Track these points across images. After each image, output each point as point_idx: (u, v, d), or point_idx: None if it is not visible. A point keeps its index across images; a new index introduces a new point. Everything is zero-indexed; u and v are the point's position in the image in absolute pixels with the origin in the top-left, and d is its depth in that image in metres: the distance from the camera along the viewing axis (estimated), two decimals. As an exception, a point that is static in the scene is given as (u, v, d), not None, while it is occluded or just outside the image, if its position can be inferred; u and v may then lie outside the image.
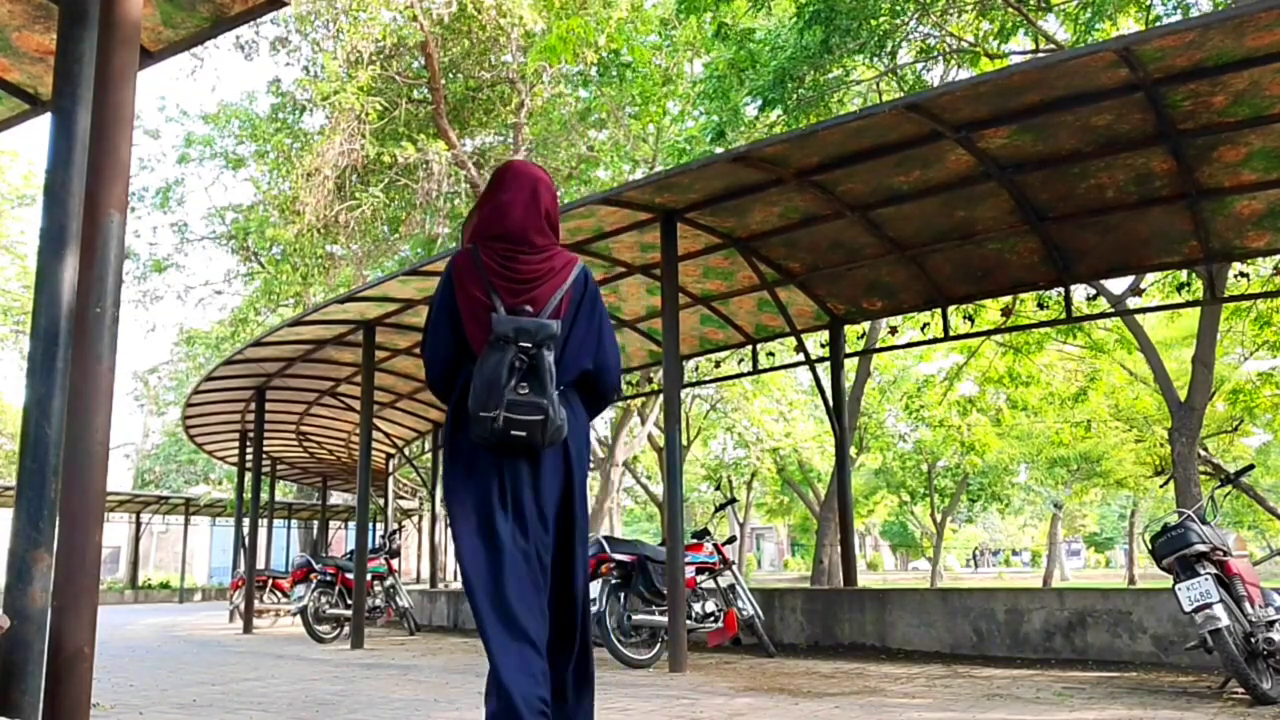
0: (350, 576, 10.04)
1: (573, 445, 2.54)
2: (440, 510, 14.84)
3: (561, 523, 2.54)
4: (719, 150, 11.21)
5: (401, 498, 22.71)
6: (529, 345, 2.41)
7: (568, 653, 2.53)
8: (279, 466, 19.85)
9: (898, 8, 10.57)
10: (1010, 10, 10.47)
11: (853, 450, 19.35)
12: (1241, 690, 4.40)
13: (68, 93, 2.49)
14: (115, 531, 32.73)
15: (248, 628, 12.16)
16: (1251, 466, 5.53)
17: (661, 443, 20.81)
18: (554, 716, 2.42)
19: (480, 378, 2.41)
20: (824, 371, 9.37)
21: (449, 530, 2.78)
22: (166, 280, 21.67)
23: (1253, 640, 4.33)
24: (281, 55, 15.64)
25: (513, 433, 2.39)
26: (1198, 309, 10.30)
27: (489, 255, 2.55)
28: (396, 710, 4.45)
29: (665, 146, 15.23)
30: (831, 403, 9.08)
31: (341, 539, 30.43)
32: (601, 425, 22.30)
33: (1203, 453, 14.91)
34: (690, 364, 11.08)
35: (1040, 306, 8.89)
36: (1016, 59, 11.28)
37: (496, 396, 2.38)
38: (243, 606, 12.56)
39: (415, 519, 25.95)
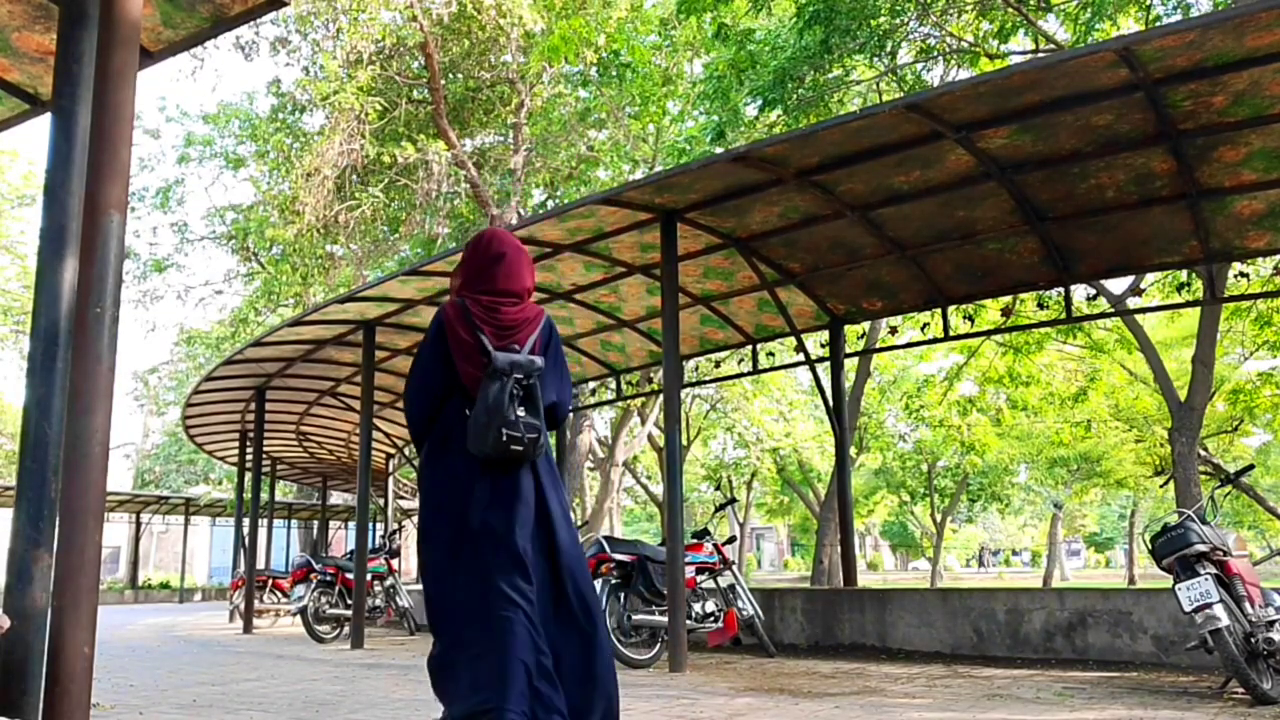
0: (350, 576, 10.04)
1: (541, 461, 2.93)
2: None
3: (540, 519, 2.89)
4: (719, 150, 11.21)
5: (401, 498, 22.70)
6: (522, 377, 2.85)
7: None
8: (279, 466, 19.85)
9: (898, 8, 10.56)
10: (1010, 10, 10.46)
11: (853, 450, 19.35)
12: (1242, 690, 4.40)
13: (68, 93, 2.49)
14: (115, 531, 32.72)
15: (248, 628, 12.16)
16: (1251, 466, 5.53)
17: (661, 443, 20.80)
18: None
19: (483, 403, 2.79)
20: (824, 371, 9.37)
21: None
22: (166, 280, 21.58)
23: (1253, 640, 4.33)
24: (281, 55, 15.62)
25: (512, 448, 2.78)
26: (1198, 309, 10.30)
27: (475, 306, 2.97)
28: (396, 710, 4.45)
29: (665, 146, 15.21)
30: (831, 403, 9.08)
31: (341, 539, 30.41)
32: (602, 425, 22.29)
33: (1203, 453, 14.90)
34: (690, 364, 11.07)
35: (1040, 306, 8.88)
36: (1016, 59, 11.26)
37: (499, 418, 2.77)
38: (243, 606, 12.57)
39: (415, 519, 25.92)
